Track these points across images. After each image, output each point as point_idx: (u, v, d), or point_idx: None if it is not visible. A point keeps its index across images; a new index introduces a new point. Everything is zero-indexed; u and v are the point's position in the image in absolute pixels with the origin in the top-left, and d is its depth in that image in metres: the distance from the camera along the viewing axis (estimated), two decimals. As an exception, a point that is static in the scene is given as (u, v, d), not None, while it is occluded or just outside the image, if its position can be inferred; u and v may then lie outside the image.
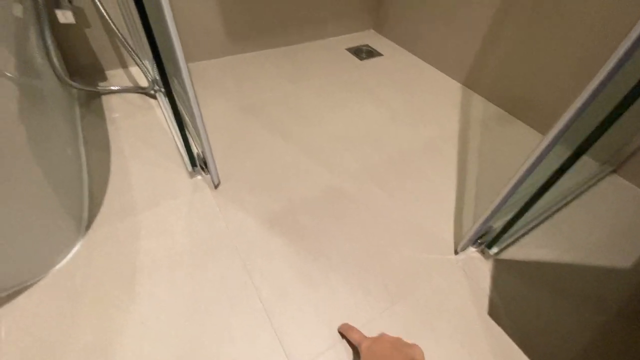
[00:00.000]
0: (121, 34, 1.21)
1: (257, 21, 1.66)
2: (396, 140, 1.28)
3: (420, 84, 1.61)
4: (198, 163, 1.04)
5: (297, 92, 1.48)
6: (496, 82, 1.48)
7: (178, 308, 0.76)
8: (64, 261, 0.82)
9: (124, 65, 1.50)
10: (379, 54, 1.83)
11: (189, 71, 0.76)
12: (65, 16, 1.13)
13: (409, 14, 1.78)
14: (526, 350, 0.75)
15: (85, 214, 0.92)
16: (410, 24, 1.80)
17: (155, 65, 0.81)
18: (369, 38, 1.97)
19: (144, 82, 1.41)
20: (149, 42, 0.74)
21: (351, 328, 0.72)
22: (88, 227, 0.90)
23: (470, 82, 1.59)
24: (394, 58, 1.81)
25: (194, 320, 0.74)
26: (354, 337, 0.70)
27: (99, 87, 1.31)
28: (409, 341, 0.65)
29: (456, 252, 0.94)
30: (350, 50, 1.85)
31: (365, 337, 0.69)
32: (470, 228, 0.88)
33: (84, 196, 0.96)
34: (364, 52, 1.84)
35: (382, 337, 0.66)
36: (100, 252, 0.85)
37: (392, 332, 0.76)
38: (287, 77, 1.58)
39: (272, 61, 1.68)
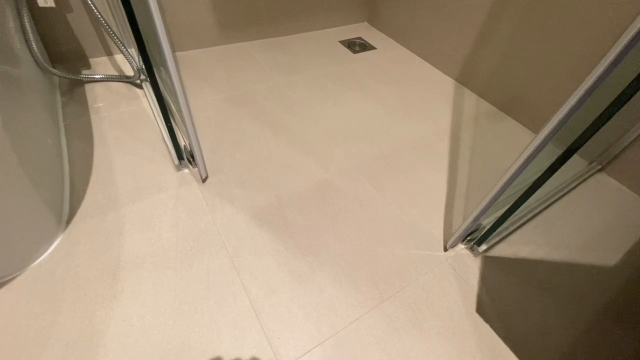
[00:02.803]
0: (104, 20, 1.16)
1: (248, 11, 1.62)
2: (388, 135, 1.27)
3: (413, 79, 1.60)
4: (185, 156, 1.01)
5: (289, 84, 1.45)
6: (489, 79, 1.47)
7: (163, 306, 0.74)
8: (43, 256, 0.79)
9: (109, 53, 1.44)
10: (373, 47, 1.81)
11: (175, 60, 0.72)
12: (44, -1, 1.07)
13: (403, 7, 1.76)
14: (513, 348, 0.76)
15: (66, 208, 0.89)
16: (405, 18, 1.78)
17: (139, 54, 0.78)
18: (363, 31, 1.94)
19: (129, 71, 1.36)
20: (131, 29, 0.71)
21: None
22: (69, 221, 0.86)
23: (463, 78, 1.59)
24: (388, 52, 1.78)
25: (180, 318, 0.73)
26: None
27: (82, 76, 1.25)
28: None
29: (445, 249, 0.94)
30: (343, 42, 1.82)
31: None
32: (460, 225, 0.88)
33: (64, 189, 0.93)
34: (357, 45, 1.81)
35: None
36: (82, 248, 0.82)
37: (381, 330, 0.75)
38: (279, 68, 1.54)
39: (263, 52, 1.64)
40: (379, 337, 0.74)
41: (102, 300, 0.73)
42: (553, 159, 0.70)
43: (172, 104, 1.01)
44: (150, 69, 0.79)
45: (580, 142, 0.66)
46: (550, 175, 0.71)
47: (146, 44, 0.75)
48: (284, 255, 0.86)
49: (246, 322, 0.74)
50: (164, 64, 0.74)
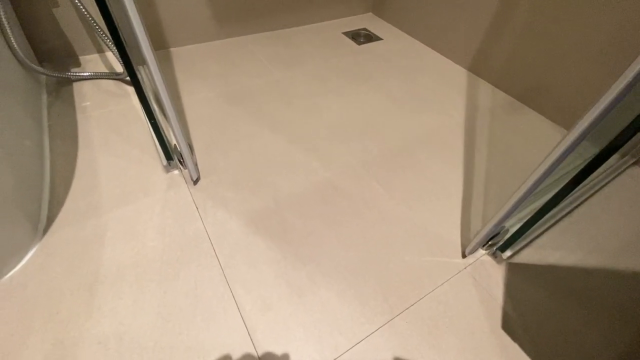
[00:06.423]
0: (89, 14, 1.08)
1: (247, 3, 1.53)
2: (397, 130, 1.16)
3: (422, 70, 1.49)
4: (175, 156, 0.93)
5: (289, 78, 1.36)
6: (506, 67, 1.36)
7: (144, 325, 0.66)
8: (16, 269, 0.72)
9: (100, 50, 1.37)
10: (378, 38, 1.70)
11: (155, 57, 0.64)
12: (24, -9, 1.00)
13: (410, -5, 1.65)
14: (547, 372, 0.66)
15: (44, 214, 0.81)
16: (412, 6, 1.67)
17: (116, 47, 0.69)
18: (368, 21, 1.84)
19: (120, 68, 1.29)
20: (106, 23, 0.63)
21: None
22: (46, 229, 0.79)
23: (477, 68, 1.47)
24: (395, 42, 1.68)
25: (162, 339, 0.64)
26: None
27: (68, 74, 1.18)
28: None
29: (464, 255, 0.83)
30: (347, 34, 1.72)
31: None
32: (481, 229, 0.77)
33: (43, 193, 0.85)
34: (362, 36, 1.71)
35: None
36: (58, 259, 0.74)
37: (392, 351, 0.66)
38: (278, 62, 1.45)
39: (262, 46, 1.55)
40: (390, 359, 0.65)
41: (77, 319, 0.65)
42: (583, 152, 0.61)
43: (161, 100, 0.93)
44: (129, 64, 0.71)
45: (621, 139, 0.56)
46: (587, 177, 0.61)
47: (122, 37, 0.67)
48: (282, 265, 0.77)
49: (238, 343, 0.65)
50: (142, 56, 0.66)
